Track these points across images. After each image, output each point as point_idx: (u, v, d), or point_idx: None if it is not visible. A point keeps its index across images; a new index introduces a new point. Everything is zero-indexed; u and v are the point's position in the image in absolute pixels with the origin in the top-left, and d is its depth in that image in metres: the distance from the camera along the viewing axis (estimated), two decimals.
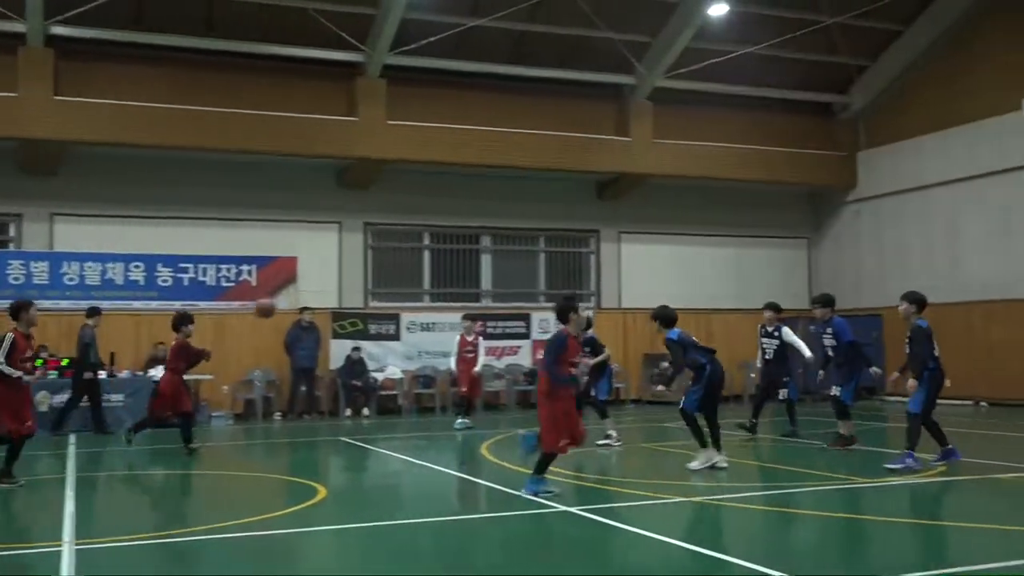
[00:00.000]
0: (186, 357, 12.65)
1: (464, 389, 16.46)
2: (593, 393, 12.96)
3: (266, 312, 14.33)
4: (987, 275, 19.52)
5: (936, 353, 10.52)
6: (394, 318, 19.87)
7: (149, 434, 13.80)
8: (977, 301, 18.14)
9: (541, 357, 9.03)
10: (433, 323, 20.05)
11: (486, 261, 21.39)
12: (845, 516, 8.34)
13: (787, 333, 13.90)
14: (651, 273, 22.10)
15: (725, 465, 10.36)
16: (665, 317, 10.65)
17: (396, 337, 19.83)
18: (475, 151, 19.60)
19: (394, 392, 19.42)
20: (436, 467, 11.80)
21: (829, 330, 12.41)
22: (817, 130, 23.12)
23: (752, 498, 9.10)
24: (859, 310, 22.24)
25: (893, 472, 10.07)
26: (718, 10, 19.06)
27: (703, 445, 10.39)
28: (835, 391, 12.32)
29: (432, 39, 18.61)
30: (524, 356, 20.66)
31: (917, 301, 10.77)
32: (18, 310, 10.06)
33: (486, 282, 21.33)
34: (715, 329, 21.91)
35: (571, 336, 8.92)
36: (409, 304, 20.49)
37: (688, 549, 6.98)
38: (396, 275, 20.63)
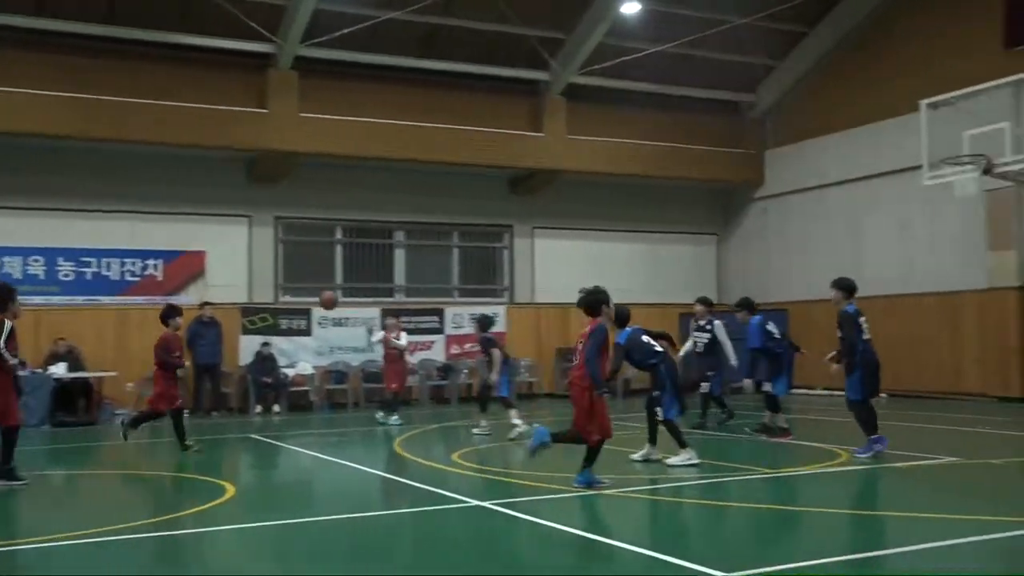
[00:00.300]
0: (170, 352, 12.10)
1: (394, 386, 16.26)
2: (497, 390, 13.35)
3: (330, 304, 14.46)
4: (886, 271, 20.16)
5: (865, 337, 10.65)
6: (305, 313, 19.61)
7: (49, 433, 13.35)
8: (877, 296, 18.69)
9: (582, 349, 8.85)
10: (346, 318, 19.85)
11: (399, 256, 21.26)
12: (753, 506, 8.52)
13: (719, 328, 14.16)
14: (564, 268, 22.22)
15: (658, 458, 10.40)
16: (620, 316, 10.24)
17: (307, 332, 19.57)
18: (388, 145, 19.45)
19: (305, 388, 19.17)
20: (349, 464, 11.69)
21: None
22: (726, 128, 23.57)
23: (664, 489, 9.23)
24: (766, 305, 22.73)
25: (862, 458, 10.41)
26: (631, 8, 19.28)
27: (682, 445, 10.21)
28: (766, 386, 12.86)
29: (345, 31, 18.40)
30: (438, 351, 20.60)
31: (845, 288, 10.86)
32: (7, 299, 9.63)
33: (399, 277, 21.20)
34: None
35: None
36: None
37: (592, 539, 7.05)
38: (307, 270, 20.36)
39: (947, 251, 19.20)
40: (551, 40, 20.54)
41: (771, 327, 12.98)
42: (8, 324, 9.42)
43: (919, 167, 16.09)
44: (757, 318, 13.02)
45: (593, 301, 9.04)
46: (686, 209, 23.91)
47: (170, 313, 12.38)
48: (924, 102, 15.99)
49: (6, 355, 9.28)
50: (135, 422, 12.34)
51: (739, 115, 23.87)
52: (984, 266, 18.37)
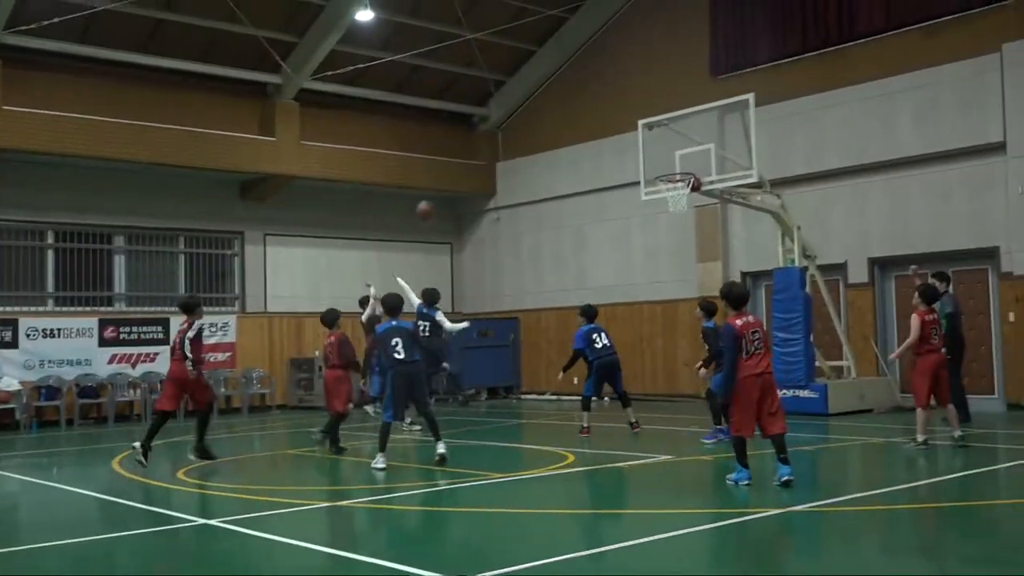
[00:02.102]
0: (347, 352, 12.61)
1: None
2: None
3: (427, 214, 14.49)
4: (610, 280, 21.32)
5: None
6: (11, 324, 18.03)
7: None
8: (602, 304, 19.67)
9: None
10: (58, 329, 18.45)
11: (119, 262, 20.00)
12: (484, 510, 8.70)
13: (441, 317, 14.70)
14: (298, 276, 21.86)
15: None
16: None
17: (13, 344, 18.00)
18: (106, 144, 18.26)
19: (11, 405, 17.60)
20: (61, 486, 10.85)
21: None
22: (460, 139, 24.04)
23: (396, 499, 9.24)
24: (498, 313, 23.41)
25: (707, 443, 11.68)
26: (364, 16, 19.23)
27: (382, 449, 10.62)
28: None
29: (56, 20, 17.12)
30: (162, 363, 19.54)
31: (707, 310, 12.63)
32: (196, 306, 11.28)
33: (120, 285, 19.95)
34: (361, 333, 22.07)
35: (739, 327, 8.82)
36: (29, 308, 18.68)
37: (328, 553, 6.95)
38: (13, 276, 18.72)
39: (663, 262, 20.56)
40: (283, 43, 20.10)
41: (599, 337, 13.43)
42: (199, 325, 11.01)
43: (638, 183, 17.09)
44: (587, 327, 13.52)
45: (735, 297, 9.15)
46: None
47: (334, 315, 13.13)
48: (641, 122, 17.02)
49: (188, 353, 10.84)
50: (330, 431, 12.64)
51: (472, 127, 24.41)
52: (695, 276, 19.81)
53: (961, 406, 12.73)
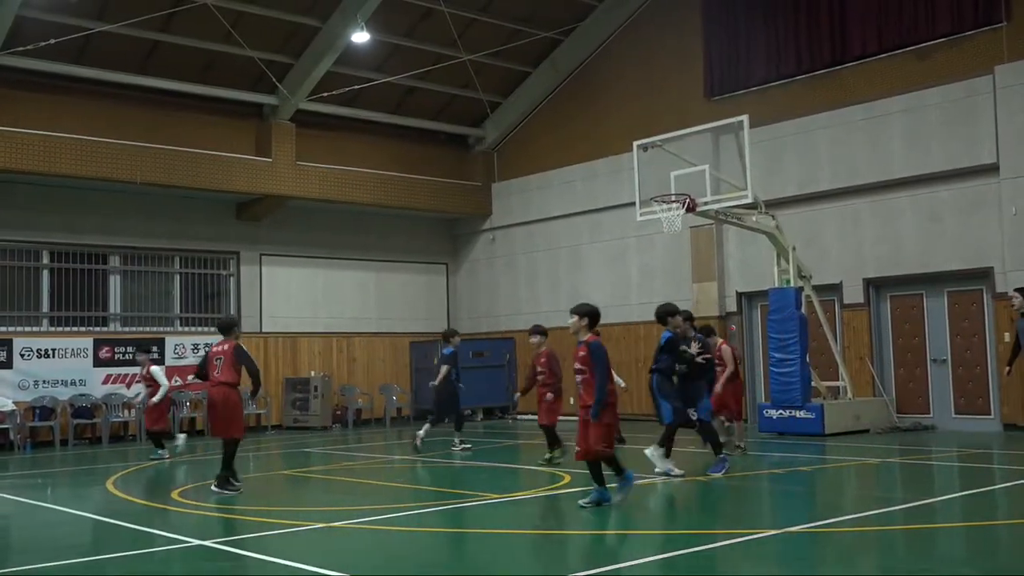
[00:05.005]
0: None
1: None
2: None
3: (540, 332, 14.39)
4: (605, 300, 21.27)
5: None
6: (5, 344, 17.99)
7: None
8: (598, 325, 19.66)
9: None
10: (53, 349, 18.41)
11: (115, 282, 19.98)
12: (490, 531, 8.68)
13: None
14: (294, 296, 21.85)
15: None
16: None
17: (8, 365, 17.95)
18: (102, 165, 18.29)
19: (5, 426, 17.53)
20: (55, 507, 10.79)
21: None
22: (455, 160, 24.11)
23: (398, 519, 9.21)
24: (494, 333, 23.41)
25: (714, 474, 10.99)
26: (360, 37, 19.31)
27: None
28: None
29: (53, 41, 17.18)
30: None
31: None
32: (233, 326, 11.13)
33: (115, 305, 19.92)
34: (357, 353, 22.12)
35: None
36: (24, 328, 18.64)
37: (320, 573, 6.91)
38: (8, 296, 18.68)
39: (659, 282, 20.58)
40: (279, 64, 20.17)
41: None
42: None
43: (633, 203, 17.12)
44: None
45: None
46: (416, 238, 24.17)
47: (540, 331, 13.24)
48: (636, 143, 17.06)
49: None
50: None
51: (468, 148, 24.49)
52: (690, 296, 19.84)
53: None
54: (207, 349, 12.68)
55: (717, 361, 12.45)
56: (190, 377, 19.31)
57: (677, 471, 10.89)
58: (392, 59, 21.08)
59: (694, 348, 11.31)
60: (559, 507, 9.92)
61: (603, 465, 9.06)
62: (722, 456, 11.30)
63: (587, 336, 9.14)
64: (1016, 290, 13.04)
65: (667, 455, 11.05)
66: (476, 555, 7.67)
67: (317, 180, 21.14)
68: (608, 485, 9.05)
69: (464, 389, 15.58)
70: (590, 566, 6.97)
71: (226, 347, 10.86)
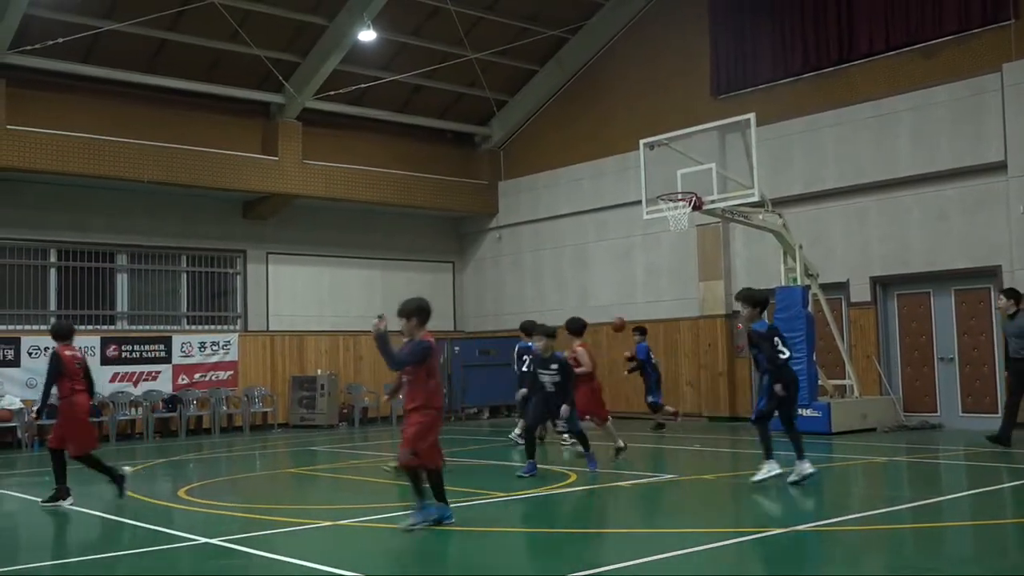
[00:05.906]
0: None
1: None
2: None
3: (620, 327, 15.11)
4: (611, 299, 21.31)
5: (783, 354, 10.09)
6: (13, 342, 18.04)
7: None
8: (603, 323, 19.69)
9: None
10: None
11: (122, 280, 20.04)
12: (495, 529, 8.68)
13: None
14: (300, 295, 21.88)
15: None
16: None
17: (15, 363, 18.01)
18: (109, 164, 18.34)
19: (12, 424, 17.59)
20: (63, 504, 10.79)
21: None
22: (461, 159, 24.12)
23: (401, 518, 9.21)
24: (501, 332, 23.40)
25: (761, 481, 9.99)
26: (367, 36, 19.33)
27: None
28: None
29: (61, 40, 17.22)
30: (164, 382, 19.56)
31: (756, 303, 10.18)
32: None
33: (122, 303, 19.97)
34: (364, 351, 22.11)
35: None
36: (31, 327, 18.69)
37: (330, 572, 6.92)
38: (16, 295, 18.74)
39: (665, 281, 20.57)
40: (286, 62, 20.20)
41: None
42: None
43: (639, 202, 17.11)
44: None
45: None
46: (422, 236, 24.18)
47: (581, 325, 13.18)
48: (642, 141, 17.04)
49: None
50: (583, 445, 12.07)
51: (474, 147, 24.49)
52: (696, 295, 19.82)
53: None
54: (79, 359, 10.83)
55: (573, 362, 12.17)
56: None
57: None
58: (399, 57, 21.10)
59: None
60: (565, 505, 9.91)
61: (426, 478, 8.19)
62: (590, 452, 11.60)
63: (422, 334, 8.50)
64: (1002, 292, 12.99)
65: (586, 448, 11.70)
66: (483, 553, 7.67)
67: (323, 179, 21.16)
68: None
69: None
70: (593, 565, 6.97)
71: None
